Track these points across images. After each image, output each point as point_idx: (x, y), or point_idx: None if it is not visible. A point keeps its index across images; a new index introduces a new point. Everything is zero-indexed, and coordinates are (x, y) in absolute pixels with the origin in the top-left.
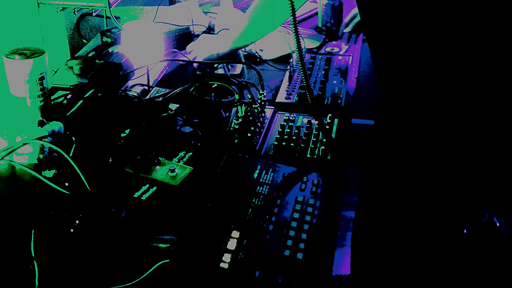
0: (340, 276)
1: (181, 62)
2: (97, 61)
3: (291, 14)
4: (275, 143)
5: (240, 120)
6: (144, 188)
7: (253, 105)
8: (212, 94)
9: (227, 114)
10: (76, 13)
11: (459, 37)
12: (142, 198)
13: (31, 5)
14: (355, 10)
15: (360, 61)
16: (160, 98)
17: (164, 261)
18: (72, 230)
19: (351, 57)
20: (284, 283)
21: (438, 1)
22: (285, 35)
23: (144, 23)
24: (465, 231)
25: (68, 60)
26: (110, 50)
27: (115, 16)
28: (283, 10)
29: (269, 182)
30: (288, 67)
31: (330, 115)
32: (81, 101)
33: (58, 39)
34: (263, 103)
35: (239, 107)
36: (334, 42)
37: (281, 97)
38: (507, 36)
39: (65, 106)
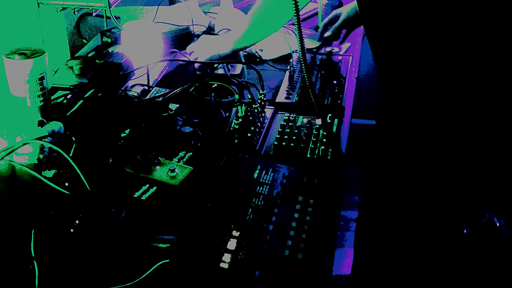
0: (340, 276)
1: (181, 62)
2: (97, 61)
3: (295, 14)
4: (275, 143)
5: (240, 120)
6: (144, 188)
7: (253, 105)
8: (212, 94)
9: (227, 114)
10: (76, 13)
11: (461, 34)
12: (142, 198)
13: (31, 5)
14: (335, 12)
15: (360, 61)
16: (160, 98)
17: (164, 261)
18: (72, 230)
19: (351, 57)
20: (284, 283)
21: None
22: (285, 35)
23: (144, 23)
24: (465, 231)
25: (68, 60)
26: (110, 50)
27: (115, 16)
28: (285, 11)
29: (269, 182)
30: (288, 67)
31: (330, 115)
32: (81, 101)
33: (58, 39)
34: (263, 103)
35: (239, 107)
36: (334, 42)
37: (281, 97)
38: (508, 32)
39: (65, 106)
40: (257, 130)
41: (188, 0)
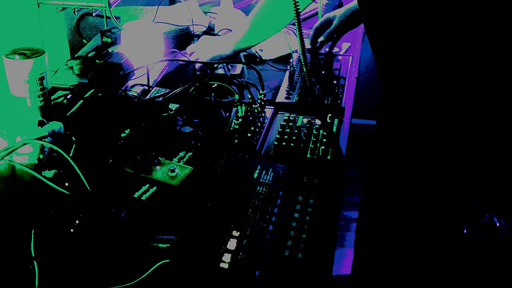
0: (340, 276)
1: (181, 62)
2: (97, 61)
3: (295, 16)
4: (275, 143)
5: (240, 120)
6: (144, 188)
7: (253, 105)
8: (212, 94)
9: (227, 114)
10: (76, 13)
11: (462, 31)
12: (142, 198)
13: (31, 5)
14: (327, 15)
15: (360, 61)
16: (160, 98)
17: (164, 261)
18: (72, 230)
19: (351, 57)
20: (284, 283)
21: None
22: (285, 35)
23: (144, 23)
24: (465, 231)
25: (68, 60)
26: (110, 50)
27: (115, 16)
28: (286, 12)
29: (269, 182)
30: (288, 67)
31: (330, 115)
32: (81, 101)
33: (58, 39)
34: (263, 103)
35: (239, 107)
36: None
37: (281, 97)
38: (508, 30)
39: (65, 106)
40: (257, 130)
41: (188, 0)
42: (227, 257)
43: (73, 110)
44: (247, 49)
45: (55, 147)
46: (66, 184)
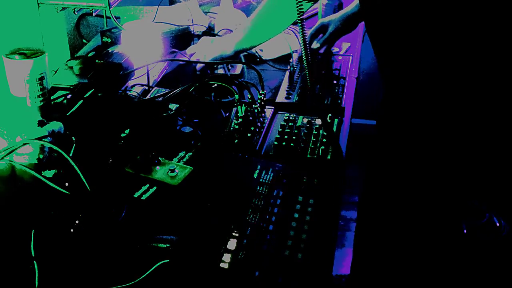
0: (340, 276)
1: (181, 62)
2: (97, 61)
3: (298, 17)
4: (275, 143)
5: (240, 120)
6: (144, 188)
7: (253, 105)
8: (212, 94)
9: (227, 114)
10: (76, 13)
11: (463, 29)
12: (142, 198)
13: (31, 5)
14: (321, 20)
15: (360, 61)
16: (160, 98)
17: (164, 261)
18: (72, 230)
19: (351, 57)
20: (284, 283)
21: None
22: (285, 35)
23: (144, 23)
24: (465, 231)
25: (68, 60)
26: (110, 50)
27: (115, 16)
28: (288, 14)
29: (269, 182)
30: (288, 67)
31: (330, 115)
32: (81, 101)
33: (58, 39)
34: (263, 103)
35: (239, 107)
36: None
37: (281, 97)
38: (508, 30)
39: (65, 106)
40: (257, 130)
41: (188, 0)
42: (227, 257)
43: (73, 110)
44: (248, 49)
45: (55, 147)
46: (66, 184)
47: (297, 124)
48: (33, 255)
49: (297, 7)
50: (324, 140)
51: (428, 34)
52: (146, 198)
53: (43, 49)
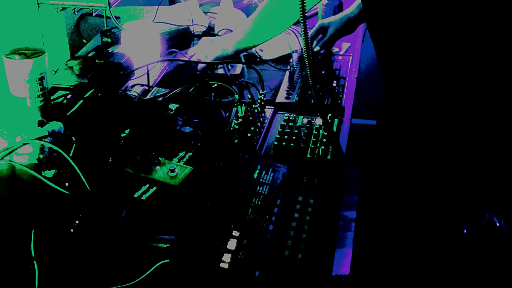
0: (340, 276)
1: (181, 62)
2: (97, 61)
3: (301, 16)
4: (275, 143)
5: (240, 120)
6: (144, 188)
7: (253, 105)
8: (212, 94)
9: (227, 114)
10: (76, 13)
11: (464, 29)
12: (142, 198)
13: (31, 5)
14: (321, 22)
15: (360, 61)
16: (160, 98)
17: (164, 261)
18: (72, 230)
19: (351, 57)
20: (284, 283)
21: None
22: (285, 35)
23: (144, 23)
24: (465, 231)
25: (68, 60)
26: (110, 50)
27: (115, 16)
28: (289, 14)
29: (269, 182)
30: (288, 67)
31: (330, 115)
32: (81, 101)
33: (58, 39)
34: (263, 103)
35: (239, 107)
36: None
37: (281, 97)
38: (508, 30)
39: (65, 106)
40: (257, 130)
41: (188, 0)
42: (227, 257)
43: (73, 110)
44: (249, 49)
45: (55, 147)
46: (66, 184)
47: (297, 124)
48: (33, 255)
49: (300, 5)
50: (324, 140)
51: (430, 36)
52: (146, 198)
53: (43, 49)
